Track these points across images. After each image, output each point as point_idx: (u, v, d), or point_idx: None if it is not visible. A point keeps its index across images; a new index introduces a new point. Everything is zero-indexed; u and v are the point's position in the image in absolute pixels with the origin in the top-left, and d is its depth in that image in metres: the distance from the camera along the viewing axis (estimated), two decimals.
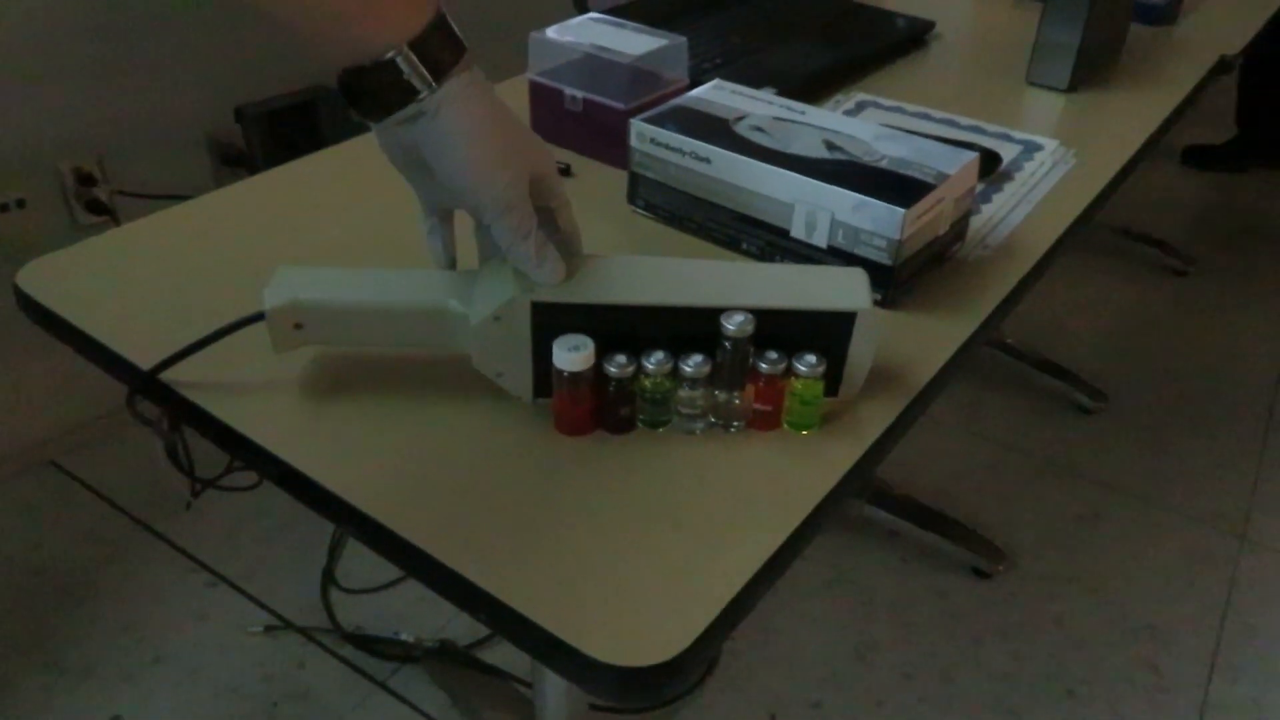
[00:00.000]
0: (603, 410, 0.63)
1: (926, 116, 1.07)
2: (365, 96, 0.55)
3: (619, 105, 0.93)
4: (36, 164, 1.57)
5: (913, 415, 0.68)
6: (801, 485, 0.60)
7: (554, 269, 0.61)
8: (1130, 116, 1.11)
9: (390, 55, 0.53)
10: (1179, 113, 1.15)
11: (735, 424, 0.64)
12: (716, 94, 0.87)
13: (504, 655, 1.41)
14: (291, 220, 0.86)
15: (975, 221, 0.88)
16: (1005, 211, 0.91)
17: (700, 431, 0.64)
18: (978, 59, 1.28)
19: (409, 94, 0.54)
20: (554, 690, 1.07)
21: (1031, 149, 1.01)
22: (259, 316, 0.64)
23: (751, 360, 0.62)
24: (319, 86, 1.85)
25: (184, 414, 0.66)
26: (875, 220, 0.73)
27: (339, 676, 1.39)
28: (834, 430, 0.64)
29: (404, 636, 1.42)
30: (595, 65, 0.95)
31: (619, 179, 0.89)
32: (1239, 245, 2.55)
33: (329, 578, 1.52)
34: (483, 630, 1.44)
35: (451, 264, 0.68)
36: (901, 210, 0.71)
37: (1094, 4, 1.12)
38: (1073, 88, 1.16)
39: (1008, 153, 1.00)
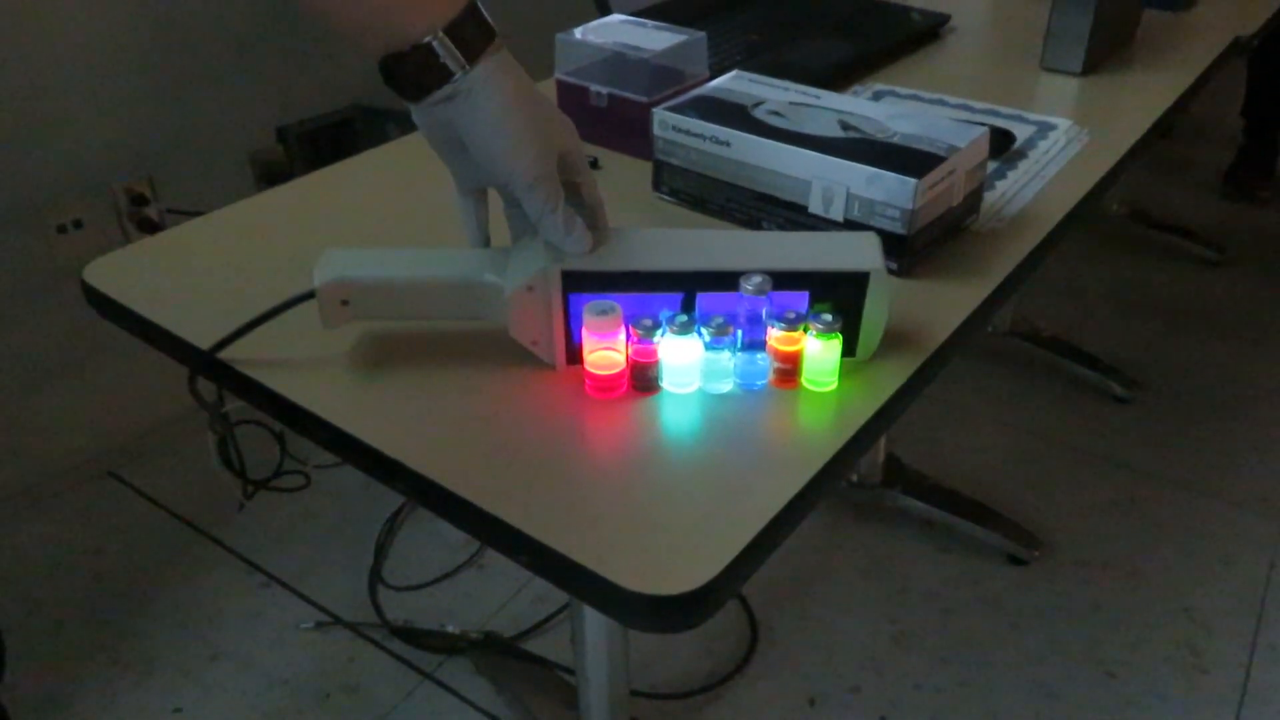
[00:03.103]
0: (631, 372, 0.67)
1: (942, 103, 1.10)
2: (404, 79, 0.60)
3: (642, 99, 0.97)
4: (92, 186, 1.65)
5: (929, 373, 0.71)
6: (822, 436, 0.64)
7: (582, 239, 0.65)
8: (1144, 96, 1.13)
9: (427, 40, 0.58)
10: (1194, 91, 1.17)
11: (758, 383, 0.68)
12: (735, 83, 0.92)
13: (547, 644, 1.45)
14: (334, 217, 0.91)
15: (989, 197, 0.91)
16: (1018, 187, 0.94)
17: (724, 391, 0.67)
18: (992, 48, 1.31)
19: (445, 75, 0.59)
20: (596, 676, 1.11)
21: (1045, 129, 1.04)
22: (309, 295, 0.68)
23: (770, 321, 0.66)
24: (356, 106, 1.92)
25: (242, 390, 0.71)
26: (889, 192, 0.76)
27: (388, 669, 1.43)
28: (852, 387, 0.68)
29: (450, 629, 1.46)
30: (619, 63, 1.00)
31: (644, 169, 0.93)
32: (1272, 234, 2.54)
33: (376, 576, 1.57)
34: (527, 621, 1.48)
35: (485, 241, 0.72)
36: (913, 180, 0.74)
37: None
38: (1086, 71, 1.18)
39: (1022, 133, 1.03)
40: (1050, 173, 0.96)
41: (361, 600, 1.53)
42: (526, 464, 0.62)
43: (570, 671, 1.39)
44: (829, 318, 0.65)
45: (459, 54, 0.58)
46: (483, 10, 0.60)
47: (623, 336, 0.66)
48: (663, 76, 0.99)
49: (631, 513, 0.58)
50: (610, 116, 1.01)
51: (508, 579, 1.57)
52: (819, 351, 0.66)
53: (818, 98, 0.88)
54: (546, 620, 1.48)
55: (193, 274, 0.82)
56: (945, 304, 0.76)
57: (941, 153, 0.78)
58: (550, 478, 0.60)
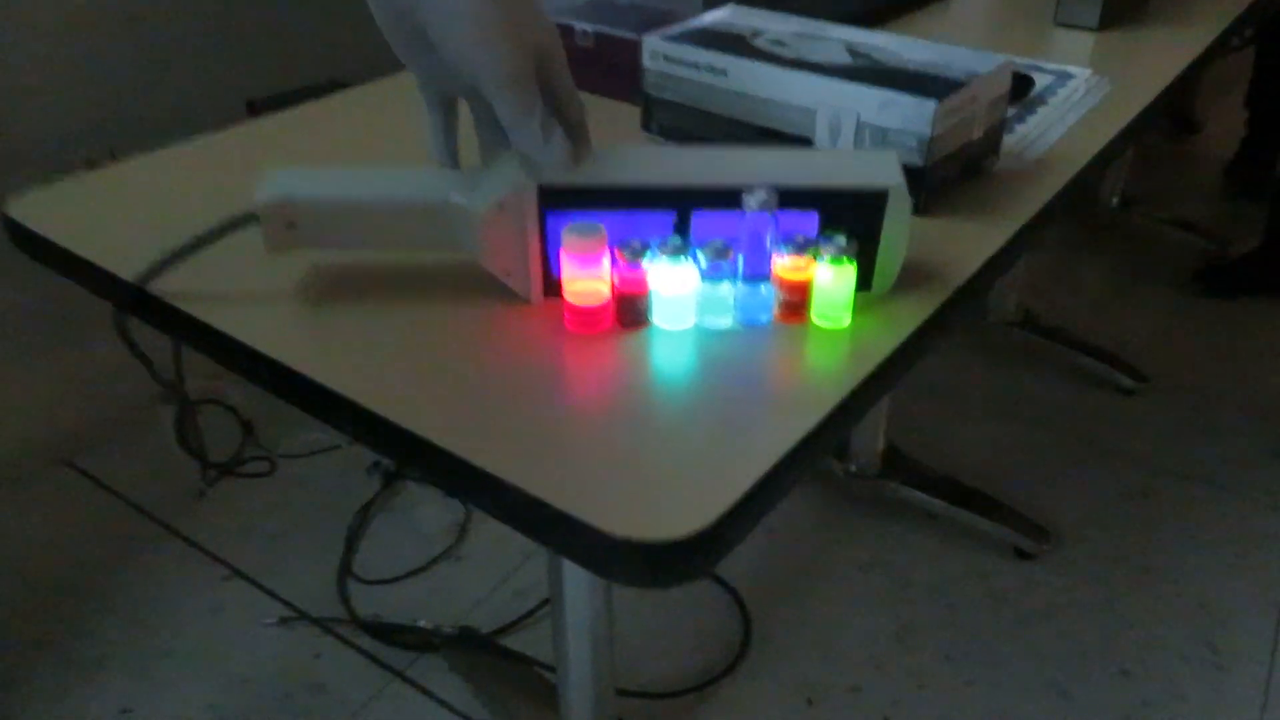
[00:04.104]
0: (616, 303, 0.59)
1: None
2: None
3: (631, 36, 0.89)
4: (51, 155, 1.56)
5: (952, 313, 0.63)
6: (834, 375, 0.55)
7: (561, 150, 0.57)
8: (1165, 49, 1.06)
9: None
10: (1218, 44, 1.10)
11: (761, 318, 0.60)
12: (733, 15, 0.84)
13: (528, 641, 1.36)
14: (295, 157, 0.83)
15: (1008, 141, 0.83)
16: (1039, 132, 0.86)
17: (722, 326, 0.59)
18: (1000, 7, 1.24)
19: None
20: (579, 672, 1.03)
21: (1064, 78, 0.97)
22: (250, 217, 0.60)
23: (776, 246, 0.58)
24: (332, 81, 1.83)
25: (174, 327, 0.63)
26: (904, 117, 0.68)
27: (355, 667, 1.34)
28: (866, 324, 0.60)
29: (423, 624, 1.37)
30: (603, 6, 0.92)
31: (633, 113, 0.86)
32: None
33: (346, 569, 1.48)
34: (505, 616, 1.39)
35: (453, 161, 0.64)
36: (933, 102, 0.67)
37: None
38: (1103, 26, 1.11)
39: (1039, 81, 0.95)
40: (1072, 119, 0.89)
41: (329, 595, 1.44)
42: (496, 402, 0.53)
43: (551, 669, 1.30)
44: (842, 240, 0.57)
45: None
46: None
47: (607, 263, 0.58)
48: (652, 17, 0.92)
49: (616, 454, 0.50)
50: (597, 58, 0.93)
51: (486, 572, 1.48)
52: (831, 281, 0.58)
53: (824, 29, 0.80)
54: (527, 615, 1.40)
55: (128, 209, 0.73)
56: (966, 243, 0.68)
57: (961, 78, 0.71)
58: (523, 417, 0.52)
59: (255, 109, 1.71)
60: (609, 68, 0.93)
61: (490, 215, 0.58)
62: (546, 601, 1.40)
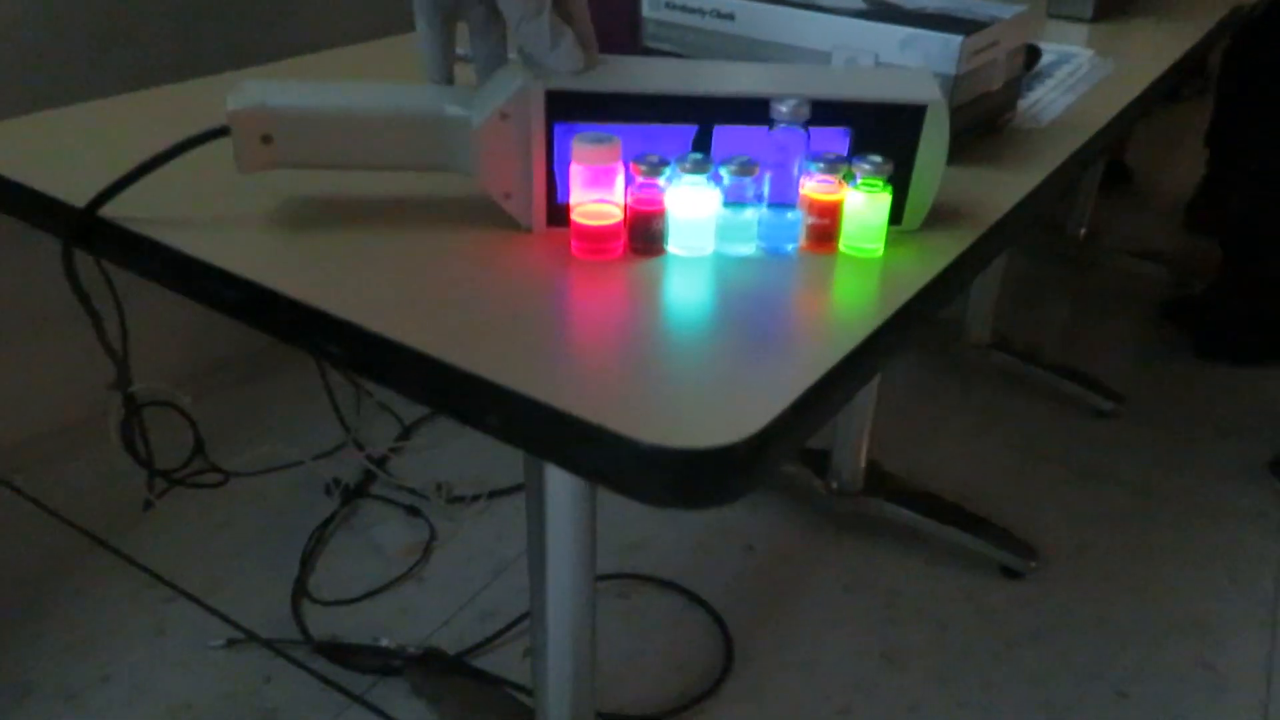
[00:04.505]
0: (630, 226, 0.53)
1: None
2: None
3: None
4: None
5: (986, 250, 0.58)
6: (868, 303, 0.50)
7: (572, 53, 0.52)
8: (1160, 37, 1.05)
9: None
10: (1207, 42, 1.09)
11: (787, 246, 0.55)
12: None
13: (498, 663, 1.27)
14: None
15: (1020, 105, 0.80)
16: (1050, 100, 0.83)
17: (745, 254, 0.54)
18: None
19: None
20: (558, 695, 0.95)
21: (1067, 56, 0.95)
22: (221, 131, 0.54)
23: (806, 165, 0.53)
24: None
25: (131, 257, 0.56)
26: (929, 54, 0.64)
27: (310, 692, 1.24)
28: (899, 255, 0.55)
29: (384, 643, 1.28)
30: None
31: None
32: None
33: (300, 588, 1.38)
34: (475, 636, 1.31)
35: (448, 77, 0.58)
36: (959, 38, 0.63)
37: None
38: (1096, 18, 1.10)
39: (1044, 57, 0.93)
40: (1080, 90, 0.86)
41: (282, 616, 1.34)
42: (496, 323, 0.47)
43: (525, 690, 1.21)
44: (878, 158, 0.52)
45: None
46: None
47: (620, 182, 0.52)
48: None
49: (637, 371, 0.44)
50: (592, 14, 0.89)
51: (452, 591, 1.39)
52: (863, 205, 0.53)
53: None
54: (498, 635, 1.31)
55: (82, 146, 0.67)
56: (994, 188, 0.64)
57: (985, 20, 0.67)
58: (531, 336, 0.46)
59: None
60: (606, 22, 0.88)
61: (491, 124, 0.52)
62: (517, 622, 1.32)
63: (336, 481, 1.55)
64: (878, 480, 1.54)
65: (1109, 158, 2.81)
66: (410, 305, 0.48)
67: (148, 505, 1.45)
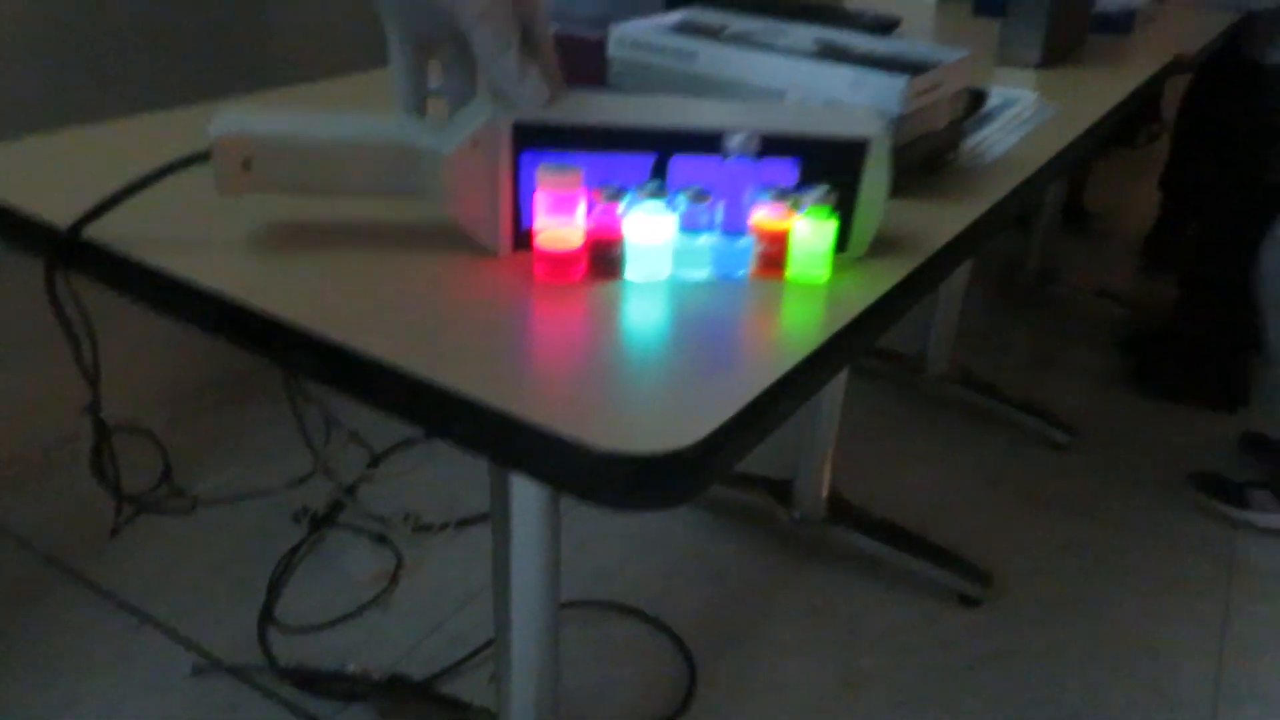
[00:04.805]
0: (590, 251, 0.56)
1: None
2: None
3: (595, 34, 0.89)
4: None
5: (927, 277, 0.62)
6: (813, 323, 0.54)
7: (537, 87, 0.55)
8: (1103, 84, 1.10)
9: None
10: (1146, 88, 1.15)
11: (738, 271, 0.58)
12: (698, 14, 0.84)
13: (464, 688, 1.28)
14: None
15: (965, 145, 0.85)
16: (992, 142, 0.88)
17: (698, 278, 0.57)
18: (948, 44, 1.28)
19: None
20: (521, 717, 0.97)
21: (1012, 100, 0.99)
22: (202, 155, 0.57)
23: (756, 195, 0.56)
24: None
25: (113, 278, 0.58)
26: (876, 94, 0.68)
27: (276, 718, 1.24)
28: (844, 281, 0.58)
29: (351, 669, 1.29)
30: (565, 10, 0.92)
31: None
32: None
33: (267, 615, 1.39)
34: (442, 662, 1.32)
35: (421, 108, 0.62)
36: (904, 78, 0.67)
37: (1054, 5, 1.14)
38: (1042, 65, 1.16)
39: (989, 102, 0.97)
40: (1023, 132, 0.91)
41: (249, 644, 1.35)
42: (462, 338, 0.50)
43: (490, 715, 1.22)
44: (824, 189, 0.56)
45: None
46: None
47: (582, 209, 0.55)
48: (614, 22, 0.92)
49: (593, 382, 0.47)
50: (562, 54, 0.92)
51: (419, 618, 1.40)
52: (810, 233, 0.57)
53: (788, 25, 0.81)
54: (464, 660, 1.32)
55: (64, 171, 0.69)
56: (936, 221, 0.68)
57: (929, 62, 0.72)
58: (492, 351, 0.49)
59: None
60: (570, 67, 0.92)
61: (461, 154, 0.55)
62: (482, 648, 1.34)
63: (305, 509, 1.56)
64: (840, 509, 1.57)
65: (1067, 200, 2.90)
66: (381, 322, 0.51)
67: (114, 532, 1.45)
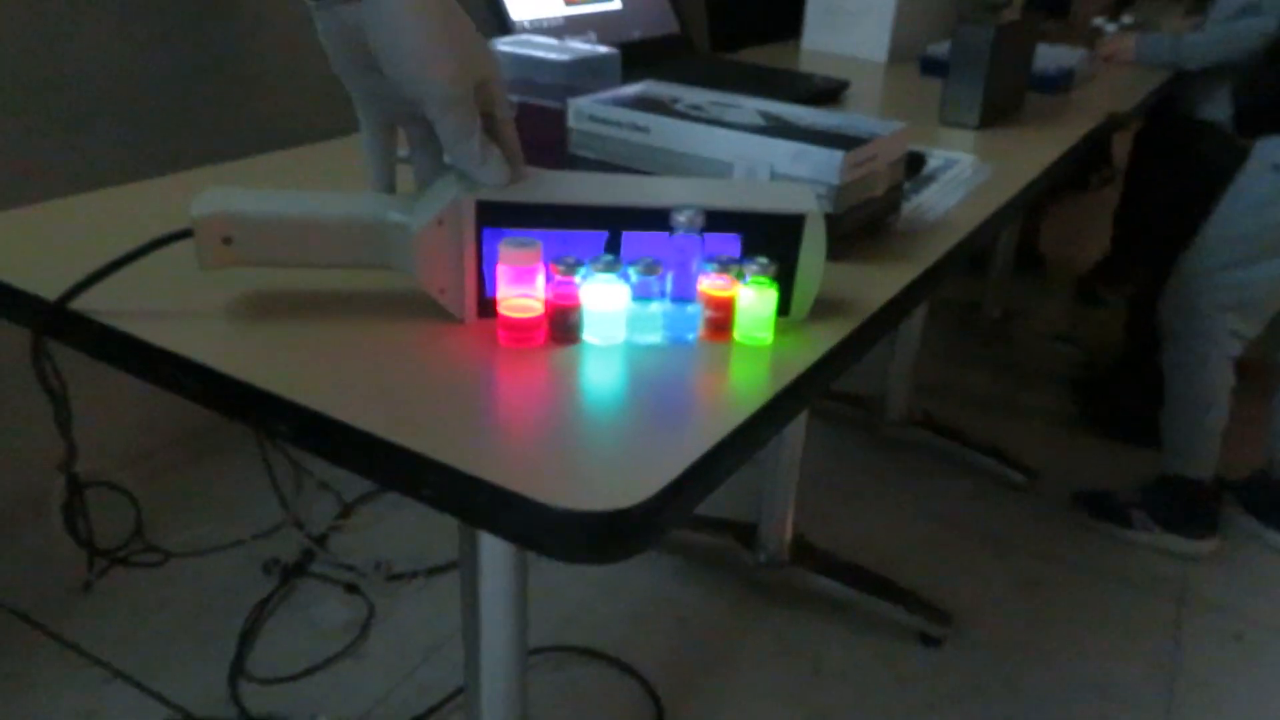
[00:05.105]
0: (550, 318, 0.60)
1: None
2: None
3: (556, 104, 0.94)
4: None
5: (865, 338, 0.67)
6: (758, 383, 0.58)
7: (499, 169, 0.59)
8: (1040, 143, 1.17)
9: None
10: (1082, 146, 1.22)
11: (688, 335, 0.62)
12: (651, 87, 0.90)
13: None
14: None
15: (906, 208, 0.90)
16: (934, 200, 0.93)
17: (651, 342, 0.62)
18: (890, 109, 1.35)
19: None
20: None
21: (952, 161, 1.05)
22: (184, 233, 0.60)
23: (702, 266, 0.61)
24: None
25: (99, 347, 0.62)
26: (815, 167, 0.74)
27: None
28: (787, 343, 0.63)
29: (321, 719, 1.30)
30: (527, 81, 0.97)
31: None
32: None
33: (238, 667, 1.40)
34: (412, 710, 1.33)
35: (390, 185, 0.66)
36: (840, 153, 0.72)
37: (992, 62, 1.20)
38: (981, 126, 1.22)
39: (930, 163, 1.03)
40: (961, 193, 0.96)
41: (220, 696, 1.36)
42: (431, 402, 0.54)
43: None
44: (764, 260, 0.61)
45: None
46: None
47: (541, 279, 0.60)
48: (574, 92, 0.97)
49: (551, 444, 0.51)
50: (521, 126, 0.97)
51: (389, 669, 1.42)
52: (753, 301, 0.61)
53: (737, 99, 0.86)
54: (435, 709, 1.34)
55: (49, 243, 0.73)
56: (874, 283, 0.73)
57: (865, 136, 0.77)
58: (458, 414, 0.53)
59: None
60: (532, 135, 0.97)
61: (429, 230, 0.59)
62: (453, 696, 1.35)
63: (275, 560, 1.58)
64: (803, 552, 1.61)
65: (1022, 244, 3.00)
66: (355, 389, 0.54)
67: (87, 586, 1.46)
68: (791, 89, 1.30)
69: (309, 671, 1.40)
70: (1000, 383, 2.40)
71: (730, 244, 0.62)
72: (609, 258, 0.59)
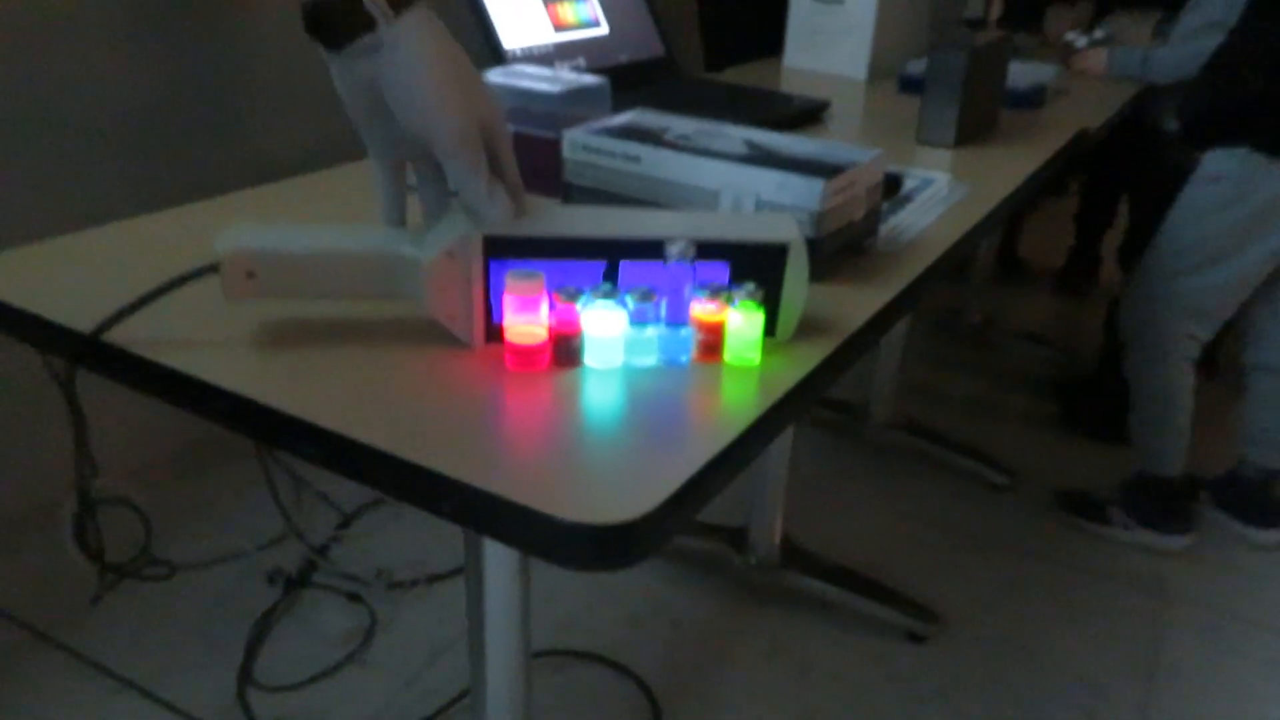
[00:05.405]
0: (553, 343, 0.65)
1: None
2: (329, 25, 0.59)
3: (550, 135, 0.99)
4: None
5: (847, 355, 0.71)
6: (748, 401, 0.63)
7: (504, 205, 0.64)
8: (1013, 160, 1.22)
9: None
10: (1053, 162, 1.27)
11: (682, 357, 0.67)
12: (640, 117, 0.94)
13: None
14: None
15: (883, 230, 0.95)
16: (910, 221, 0.98)
17: (647, 365, 0.66)
18: (870, 128, 1.40)
19: (369, 23, 0.58)
20: None
21: (928, 181, 1.10)
22: (211, 268, 0.65)
23: (694, 292, 0.66)
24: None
25: (130, 375, 0.66)
26: (797, 195, 0.78)
27: None
28: (774, 363, 0.67)
29: None
30: (522, 112, 1.02)
31: (553, 205, 0.94)
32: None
33: (246, 676, 1.44)
34: (418, 714, 1.38)
35: (401, 219, 0.70)
36: (821, 181, 0.77)
37: (967, 84, 1.26)
38: (958, 144, 1.27)
39: (908, 183, 1.08)
40: (937, 212, 1.01)
41: (228, 704, 1.40)
42: (447, 424, 0.58)
43: None
44: (751, 285, 0.65)
45: (384, 3, 0.58)
46: None
47: (545, 308, 0.64)
48: (567, 120, 1.01)
49: (559, 460, 0.56)
50: (517, 155, 1.02)
51: (394, 674, 1.46)
52: (742, 324, 0.66)
53: (722, 127, 0.91)
54: (439, 713, 1.38)
55: (76, 275, 0.77)
56: (854, 303, 0.78)
57: (844, 164, 0.82)
58: (472, 435, 0.57)
59: None
60: (528, 163, 1.01)
61: (439, 263, 0.64)
62: (456, 699, 1.40)
63: (279, 570, 1.62)
64: (792, 555, 1.66)
65: (1002, 249, 3.08)
66: (375, 412, 0.59)
67: (96, 599, 1.49)
68: (774, 111, 1.35)
69: (315, 679, 1.44)
70: (982, 385, 2.46)
71: (720, 271, 0.67)
72: (607, 286, 0.64)
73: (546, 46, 1.30)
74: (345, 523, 1.77)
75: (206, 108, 1.84)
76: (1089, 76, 1.91)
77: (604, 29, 1.39)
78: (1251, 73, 1.61)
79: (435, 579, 1.65)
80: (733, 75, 1.71)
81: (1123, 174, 2.55)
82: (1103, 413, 2.22)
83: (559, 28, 1.32)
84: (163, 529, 1.65)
